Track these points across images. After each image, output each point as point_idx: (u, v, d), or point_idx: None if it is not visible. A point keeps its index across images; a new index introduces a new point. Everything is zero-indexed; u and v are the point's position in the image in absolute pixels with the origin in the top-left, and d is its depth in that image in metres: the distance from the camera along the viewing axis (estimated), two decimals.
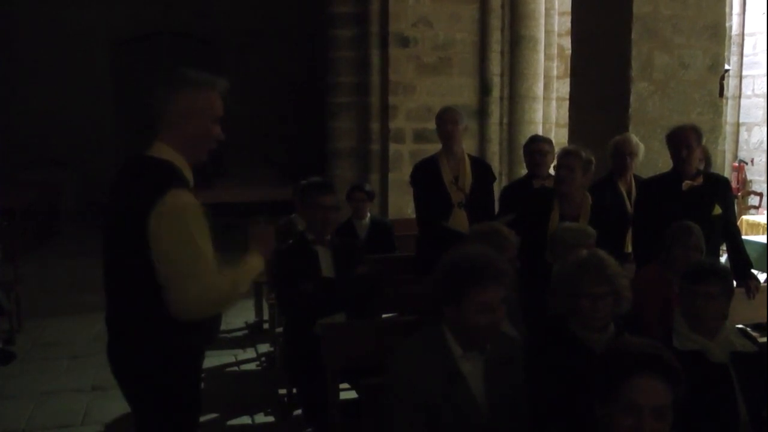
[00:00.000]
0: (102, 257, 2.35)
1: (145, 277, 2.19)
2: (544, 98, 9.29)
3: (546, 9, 9.09)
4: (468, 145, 8.04)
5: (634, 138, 4.83)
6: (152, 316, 2.24)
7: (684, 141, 4.18)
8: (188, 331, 2.29)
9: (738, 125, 10.93)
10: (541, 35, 9.09)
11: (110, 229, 2.33)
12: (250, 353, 5.82)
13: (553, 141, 5.57)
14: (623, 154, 4.72)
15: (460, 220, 4.71)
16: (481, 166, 5.06)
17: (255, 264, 2.43)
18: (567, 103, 6.56)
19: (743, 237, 5.12)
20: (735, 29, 10.62)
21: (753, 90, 10.76)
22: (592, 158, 4.28)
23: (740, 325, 3.49)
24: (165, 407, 2.37)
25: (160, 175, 2.23)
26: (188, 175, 2.34)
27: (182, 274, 2.17)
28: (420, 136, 8.63)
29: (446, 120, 4.84)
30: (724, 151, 10.44)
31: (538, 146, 5.03)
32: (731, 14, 9.97)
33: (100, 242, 2.36)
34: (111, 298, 2.38)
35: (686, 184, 4.19)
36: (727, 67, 7.84)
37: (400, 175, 8.23)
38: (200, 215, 2.23)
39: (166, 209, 2.15)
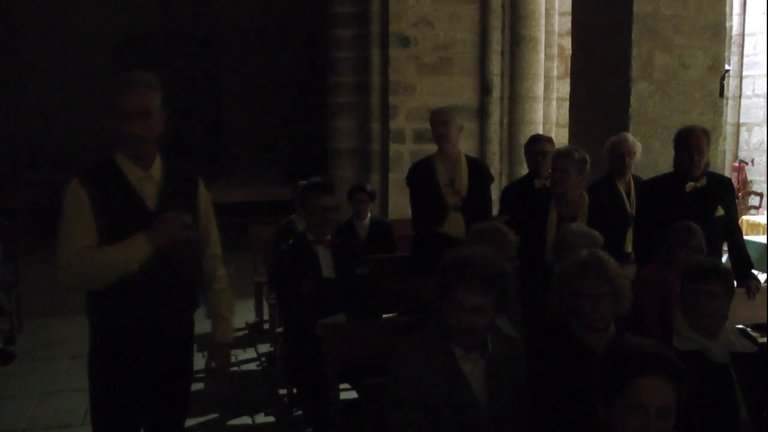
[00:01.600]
0: None
1: None
2: (544, 98, 9.29)
3: (546, 9, 9.08)
4: (468, 146, 8.06)
5: (631, 137, 4.83)
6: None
7: (696, 144, 4.15)
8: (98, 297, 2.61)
9: (738, 125, 10.94)
10: (542, 35, 9.09)
11: None
12: (250, 353, 5.82)
13: (553, 140, 5.56)
14: (622, 153, 4.72)
15: (455, 224, 4.62)
16: (477, 167, 4.95)
17: (136, 243, 2.50)
18: (567, 103, 6.55)
19: (744, 237, 5.12)
20: (735, 29, 10.62)
21: (753, 90, 10.76)
22: (587, 157, 4.26)
23: (740, 325, 3.49)
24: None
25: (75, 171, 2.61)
26: (128, 168, 2.57)
27: (58, 243, 2.57)
28: (420, 136, 8.62)
29: (437, 121, 4.73)
30: (725, 152, 10.44)
31: (540, 146, 5.01)
32: (731, 14, 9.98)
33: None
34: None
35: (689, 185, 4.19)
36: (727, 67, 7.85)
37: (401, 175, 8.19)
38: (77, 200, 2.53)
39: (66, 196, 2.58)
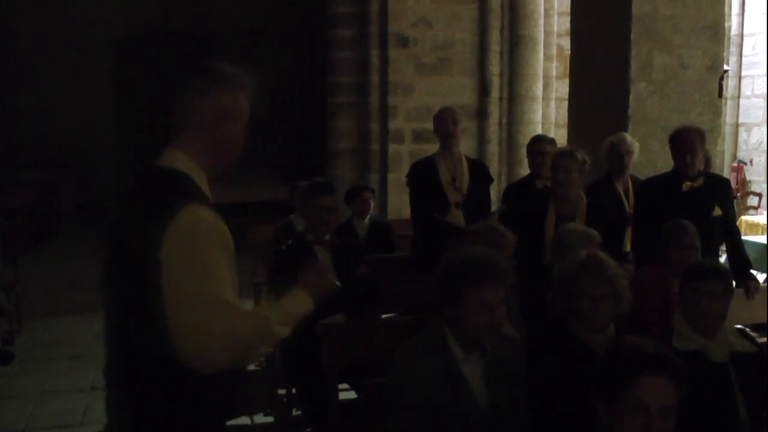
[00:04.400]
0: (102, 290, 1.97)
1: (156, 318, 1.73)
2: (543, 98, 9.30)
3: (545, 9, 9.09)
4: (467, 146, 8.07)
5: (629, 137, 4.83)
6: (163, 369, 1.75)
7: (689, 145, 4.16)
8: (203, 389, 1.81)
9: (737, 125, 10.94)
10: (541, 35, 9.10)
11: (114, 260, 1.88)
12: None
13: (555, 140, 5.58)
14: (620, 153, 4.72)
15: (457, 220, 4.68)
16: (478, 168, 5.03)
17: (298, 304, 1.99)
18: (566, 103, 6.56)
19: (743, 237, 5.13)
20: (734, 29, 10.63)
21: (752, 90, 10.77)
22: (587, 158, 4.28)
23: (740, 325, 3.50)
24: None
25: (174, 190, 1.82)
26: (206, 188, 1.93)
27: (187, 300, 1.70)
28: (419, 137, 8.63)
29: (446, 120, 4.79)
30: (724, 152, 10.44)
31: (542, 146, 5.03)
32: (731, 14, 9.98)
33: (100, 248, 2.02)
34: (114, 346, 1.92)
35: (686, 185, 4.19)
36: (726, 67, 7.85)
37: (400, 175, 8.23)
38: (219, 236, 1.80)
39: (178, 228, 1.73)
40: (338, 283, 2.14)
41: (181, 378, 1.75)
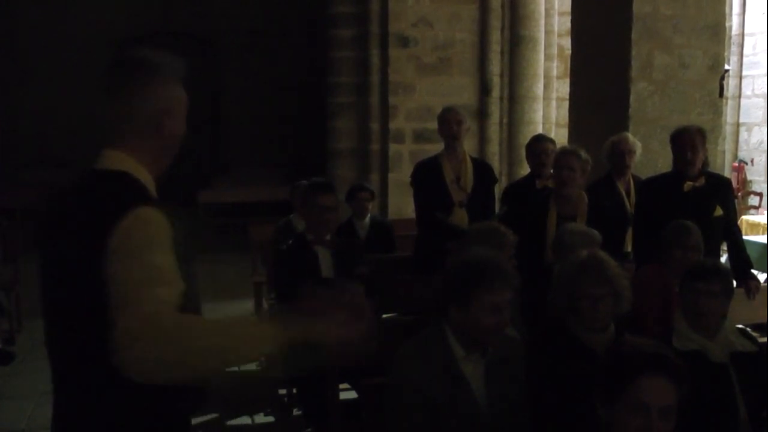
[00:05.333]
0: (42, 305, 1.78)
1: (101, 327, 1.54)
2: (544, 98, 9.29)
3: (546, 9, 9.08)
4: (468, 146, 8.00)
5: (631, 137, 4.83)
6: (114, 378, 1.51)
7: (689, 143, 4.17)
8: (164, 397, 1.65)
9: (738, 125, 10.93)
10: (541, 35, 9.09)
11: (54, 269, 1.74)
12: None
13: (555, 140, 5.57)
14: (622, 153, 4.71)
15: (460, 219, 4.68)
16: (482, 167, 5.03)
17: (268, 334, 1.57)
18: (567, 103, 6.56)
19: (744, 237, 5.12)
20: (735, 29, 10.62)
21: (753, 90, 10.76)
22: (589, 158, 4.28)
23: (740, 325, 3.49)
24: None
25: (119, 193, 1.68)
26: (151, 187, 1.79)
27: (133, 305, 1.51)
28: (420, 137, 8.63)
29: (451, 119, 4.78)
30: (724, 151, 10.43)
31: (543, 146, 5.01)
32: (731, 14, 9.97)
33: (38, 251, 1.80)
34: (57, 360, 1.77)
35: (688, 185, 4.19)
36: (727, 67, 7.83)
37: (400, 175, 8.23)
38: (168, 237, 1.63)
39: (124, 232, 1.58)
40: (370, 326, 1.58)
41: (124, 390, 1.57)
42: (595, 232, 3.55)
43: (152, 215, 1.63)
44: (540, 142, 5.11)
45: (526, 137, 7.18)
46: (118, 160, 1.78)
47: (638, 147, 4.80)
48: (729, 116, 10.61)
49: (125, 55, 1.85)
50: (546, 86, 9.28)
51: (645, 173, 4.90)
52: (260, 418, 4.55)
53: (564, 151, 4.28)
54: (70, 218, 1.72)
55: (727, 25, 6.83)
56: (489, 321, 2.31)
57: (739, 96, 10.85)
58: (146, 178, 1.78)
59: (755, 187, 10.57)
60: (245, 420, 4.53)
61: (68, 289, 1.69)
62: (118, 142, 1.80)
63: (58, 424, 1.79)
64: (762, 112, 10.51)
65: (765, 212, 9.37)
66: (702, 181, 4.21)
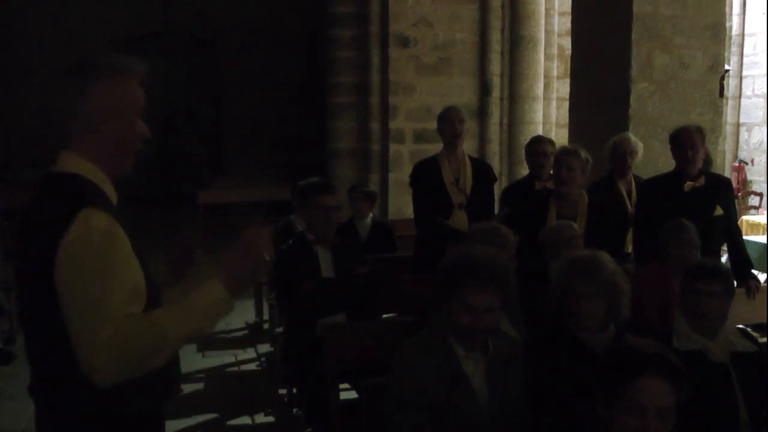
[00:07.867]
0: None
1: (61, 331, 1.67)
2: (544, 98, 9.29)
3: (546, 9, 9.09)
4: (468, 146, 8.02)
5: (633, 137, 4.82)
6: (79, 381, 1.65)
7: (689, 141, 4.17)
8: (130, 395, 1.73)
9: (738, 125, 10.93)
10: (541, 35, 9.09)
11: (18, 278, 1.83)
12: (250, 353, 5.82)
13: (554, 141, 5.57)
14: (624, 153, 4.71)
15: (460, 221, 4.63)
16: (482, 167, 4.98)
17: (207, 298, 1.72)
18: (567, 103, 6.56)
19: (744, 237, 5.12)
20: (735, 29, 10.62)
21: (753, 90, 10.76)
22: (589, 158, 4.28)
23: (740, 325, 3.50)
24: None
25: (69, 196, 1.73)
26: (108, 189, 1.83)
27: (84, 315, 1.63)
28: (420, 137, 8.64)
29: (453, 119, 4.71)
30: (724, 152, 10.42)
31: (542, 147, 5.00)
32: (731, 14, 9.97)
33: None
34: (32, 361, 1.85)
35: (688, 184, 4.19)
36: (727, 67, 7.84)
37: (400, 175, 8.24)
38: (114, 241, 1.70)
39: (71, 237, 1.65)
40: (268, 258, 1.75)
41: (93, 389, 1.64)
42: (572, 223, 3.61)
43: (95, 221, 1.68)
44: (538, 143, 5.10)
45: (526, 137, 7.19)
46: (69, 161, 1.82)
47: (640, 147, 4.79)
48: (729, 116, 10.61)
49: (79, 59, 1.90)
50: (546, 86, 9.29)
51: (646, 173, 4.90)
52: (260, 418, 4.55)
53: (564, 151, 4.28)
54: (26, 227, 1.81)
55: (727, 25, 6.83)
56: (463, 320, 2.29)
57: (739, 96, 10.84)
58: (100, 178, 1.81)
59: (755, 187, 10.57)
60: (245, 420, 4.53)
61: (29, 299, 1.79)
62: (70, 144, 1.84)
63: (37, 424, 1.87)
64: (762, 112, 10.51)
65: (765, 212, 9.37)
66: (702, 181, 4.22)
